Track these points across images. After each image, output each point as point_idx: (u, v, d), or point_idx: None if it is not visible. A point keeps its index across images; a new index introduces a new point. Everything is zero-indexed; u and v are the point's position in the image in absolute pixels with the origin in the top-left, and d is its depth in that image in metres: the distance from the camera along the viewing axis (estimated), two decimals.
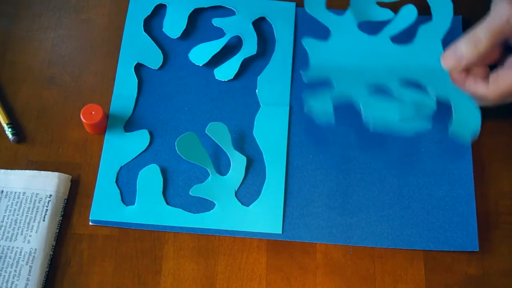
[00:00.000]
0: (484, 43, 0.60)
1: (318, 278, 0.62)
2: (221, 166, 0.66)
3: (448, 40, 0.66)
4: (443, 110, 0.63)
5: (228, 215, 0.64)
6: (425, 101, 0.62)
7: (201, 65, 0.70)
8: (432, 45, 0.66)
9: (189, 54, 0.71)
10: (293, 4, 0.74)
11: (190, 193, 0.65)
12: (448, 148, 0.66)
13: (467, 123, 0.62)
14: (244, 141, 0.67)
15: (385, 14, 0.69)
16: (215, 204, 0.64)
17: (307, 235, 0.63)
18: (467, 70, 0.62)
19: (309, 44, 0.68)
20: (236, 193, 0.65)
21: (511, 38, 0.61)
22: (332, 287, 0.62)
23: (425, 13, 0.69)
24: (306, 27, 0.72)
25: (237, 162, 0.66)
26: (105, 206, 0.64)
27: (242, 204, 0.64)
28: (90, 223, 0.64)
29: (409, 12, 0.68)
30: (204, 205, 0.65)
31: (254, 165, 0.66)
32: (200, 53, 0.71)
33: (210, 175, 0.65)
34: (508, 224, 0.64)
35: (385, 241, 0.63)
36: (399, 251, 0.63)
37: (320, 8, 0.70)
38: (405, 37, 0.68)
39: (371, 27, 0.69)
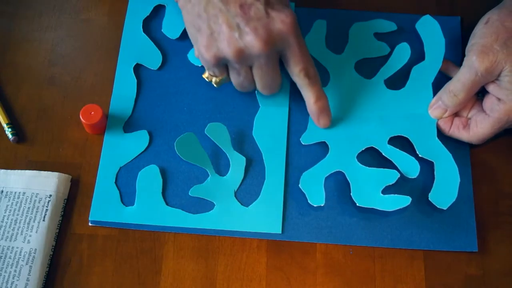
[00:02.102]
0: (461, 95, 0.64)
1: (318, 278, 0.62)
2: (221, 166, 0.66)
3: (447, 48, 0.70)
4: None
5: (228, 215, 0.64)
6: (409, 165, 0.65)
7: (200, 65, 0.70)
8: (423, 90, 0.68)
9: (188, 55, 0.71)
10: (292, 4, 0.73)
11: (189, 193, 0.65)
12: (447, 147, 0.66)
13: (447, 186, 0.64)
14: (243, 142, 0.67)
15: (382, 49, 0.71)
16: (214, 205, 0.64)
17: (307, 235, 0.63)
18: (452, 117, 0.67)
19: None
20: (235, 193, 0.65)
21: (485, 85, 0.64)
22: (332, 287, 0.62)
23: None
24: (305, 27, 0.72)
25: (237, 162, 0.66)
26: (104, 206, 0.64)
27: (242, 204, 0.64)
28: (90, 224, 0.64)
29: (403, 51, 0.70)
30: (203, 205, 0.65)
31: (254, 166, 0.66)
32: None
33: (210, 175, 0.65)
34: (508, 224, 0.64)
35: (385, 241, 0.63)
36: (399, 251, 0.63)
37: (320, 47, 0.71)
38: (398, 79, 0.69)
39: (367, 67, 0.70)
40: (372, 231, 0.63)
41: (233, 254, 0.63)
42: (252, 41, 0.60)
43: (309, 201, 0.63)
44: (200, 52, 0.63)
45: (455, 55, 0.71)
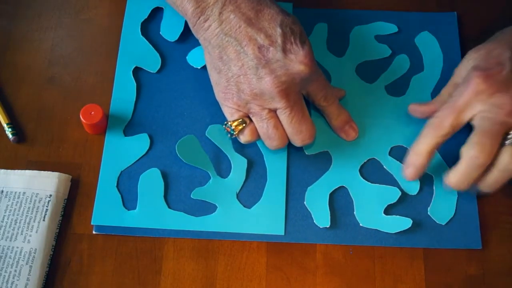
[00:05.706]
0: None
1: (318, 278, 0.63)
2: (222, 168, 0.66)
3: (444, 44, 0.72)
4: None
5: (231, 217, 0.64)
6: (409, 182, 0.66)
7: (199, 67, 0.71)
8: (422, 98, 0.70)
9: (187, 57, 0.71)
10: (290, 5, 0.74)
11: (191, 196, 0.65)
12: (449, 146, 0.67)
13: (445, 202, 0.65)
14: (244, 143, 0.67)
15: (383, 51, 0.72)
16: (217, 207, 0.65)
17: (310, 236, 0.64)
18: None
19: None
20: (237, 195, 0.65)
21: None
22: (332, 287, 0.62)
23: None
24: (305, 28, 0.71)
25: (238, 164, 0.66)
26: (106, 211, 0.64)
27: (244, 206, 0.65)
28: (94, 232, 0.64)
29: (403, 61, 0.72)
30: (206, 208, 0.65)
31: (255, 167, 0.66)
32: (198, 56, 0.71)
33: (211, 178, 0.65)
34: (508, 224, 0.65)
35: (389, 240, 0.64)
36: (399, 251, 0.64)
37: (321, 50, 0.72)
38: (399, 86, 0.71)
39: (368, 70, 0.71)
40: (373, 231, 0.64)
41: (233, 254, 0.63)
42: (268, 83, 0.60)
43: (315, 222, 0.64)
44: (219, 97, 0.63)
45: (452, 51, 0.72)
